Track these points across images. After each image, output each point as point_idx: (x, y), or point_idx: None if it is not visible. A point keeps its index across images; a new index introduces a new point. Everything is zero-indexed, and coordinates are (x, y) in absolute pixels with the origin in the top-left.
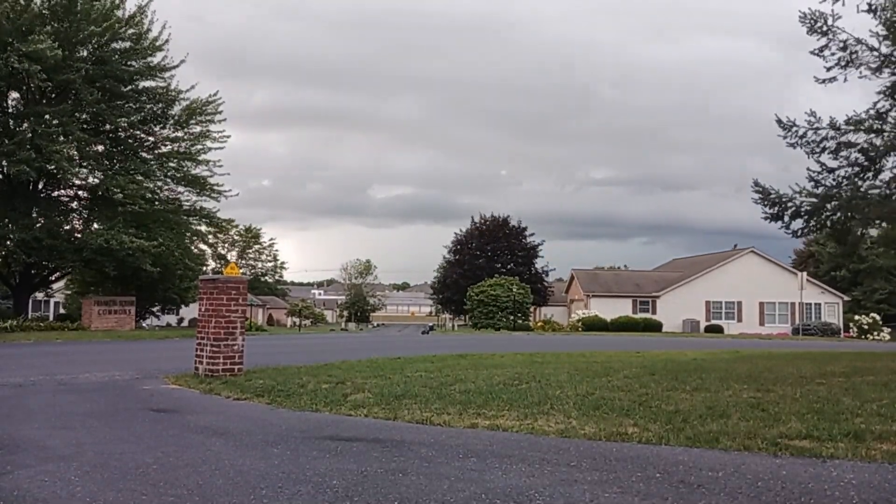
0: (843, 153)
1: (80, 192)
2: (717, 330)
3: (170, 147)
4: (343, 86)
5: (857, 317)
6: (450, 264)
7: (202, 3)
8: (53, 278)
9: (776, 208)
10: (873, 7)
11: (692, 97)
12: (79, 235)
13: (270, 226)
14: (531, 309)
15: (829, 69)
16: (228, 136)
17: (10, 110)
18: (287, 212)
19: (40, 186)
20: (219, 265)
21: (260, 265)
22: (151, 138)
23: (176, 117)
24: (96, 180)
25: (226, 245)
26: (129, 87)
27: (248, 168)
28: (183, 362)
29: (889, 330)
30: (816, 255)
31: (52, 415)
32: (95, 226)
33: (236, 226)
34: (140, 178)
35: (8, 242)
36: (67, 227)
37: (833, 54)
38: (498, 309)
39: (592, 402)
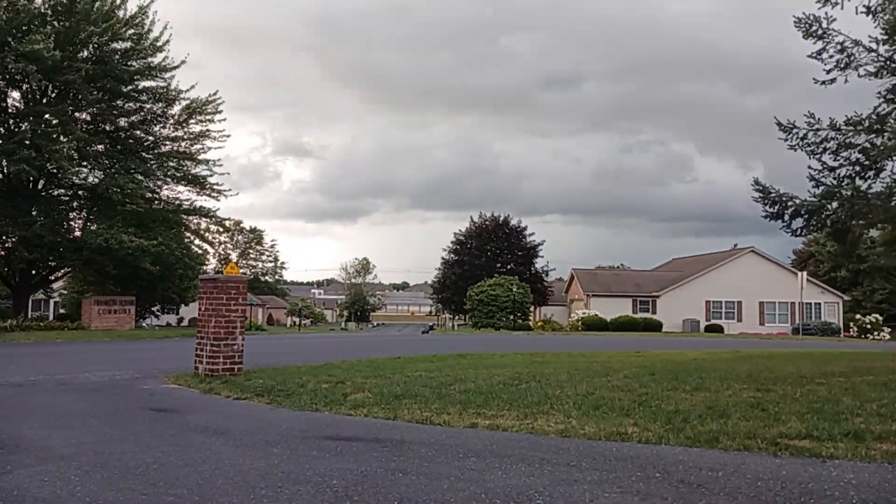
0: (844, 154)
1: (79, 192)
2: (717, 330)
3: (169, 146)
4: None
5: (857, 316)
6: (450, 264)
7: None
8: (53, 278)
9: (776, 207)
10: (872, 9)
11: None
12: (78, 234)
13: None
14: (531, 308)
15: (828, 71)
16: (228, 136)
17: (11, 110)
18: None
19: (40, 186)
20: (219, 265)
21: (260, 265)
22: (151, 138)
23: (176, 117)
24: (96, 179)
25: (228, 245)
26: (130, 87)
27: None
28: (183, 362)
29: (889, 329)
30: (816, 255)
31: (52, 414)
32: (95, 225)
33: (239, 222)
34: (140, 177)
35: (8, 240)
36: (67, 226)
37: (831, 57)
38: (498, 308)
39: (592, 401)
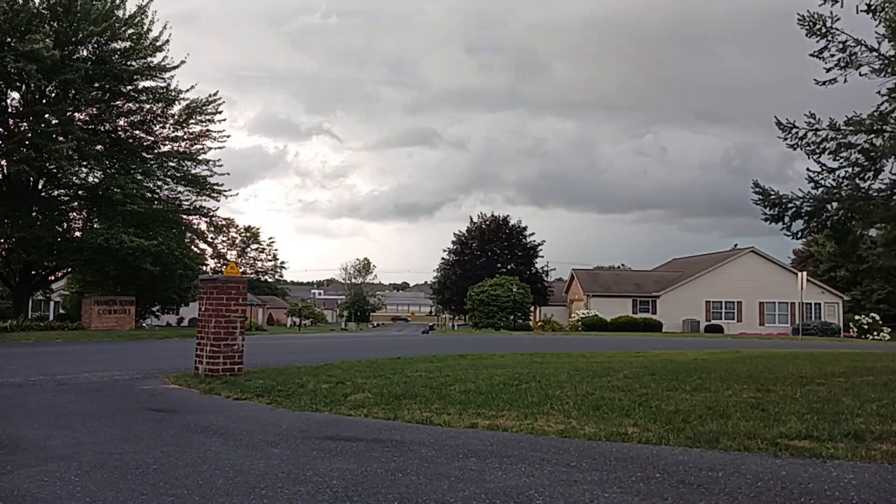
0: (843, 154)
1: (79, 192)
2: (717, 330)
3: (169, 146)
4: None
5: (857, 317)
6: (450, 264)
7: None
8: (53, 278)
9: (776, 209)
10: (873, 7)
11: None
12: (78, 235)
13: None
14: (531, 309)
15: (828, 70)
16: (228, 136)
17: (10, 110)
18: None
19: (40, 186)
20: (219, 265)
21: (260, 265)
22: (151, 138)
23: (176, 117)
24: (96, 180)
25: (226, 244)
26: (129, 87)
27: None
28: (183, 362)
29: (889, 330)
30: (816, 255)
31: (52, 414)
32: (95, 225)
33: (236, 225)
34: (140, 177)
35: (8, 240)
36: (67, 226)
37: (833, 56)
38: (498, 309)
39: (592, 402)
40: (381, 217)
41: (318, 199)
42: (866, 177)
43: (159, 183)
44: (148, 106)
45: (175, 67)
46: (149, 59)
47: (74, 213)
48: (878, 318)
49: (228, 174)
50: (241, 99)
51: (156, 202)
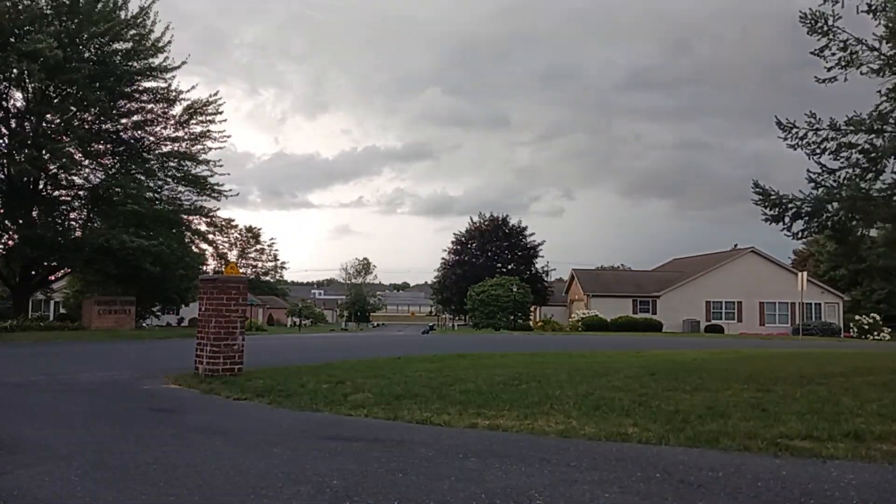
0: (844, 154)
1: (80, 192)
2: (718, 330)
3: (170, 147)
4: None
5: (857, 317)
6: (450, 264)
7: None
8: (53, 278)
9: (777, 209)
10: (873, 7)
11: None
12: (79, 235)
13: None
14: (531, 309)
15: (829, 69)
16: (228, 136)
17: (12, 110)
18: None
19: (41, 186)
20: (219, 265)
21: (260, 265)
22: (152, 138)
23: (177, 117)
24: (97, 180)
25: (226, 244)
26: (131, 88)
27: None
28: (183, 362)
29: (889, 330)
30: (816, 255)
31: (53, 414)
32: (96, 225)
33: (235, 225)
34: (141, 177)
35: (9, 240)
36: (67, 226)
37: (833, 54)
38: (498, 309)
39: (592, 402)
40: (466, 212)
41: (407, 191)
42: (867, 177)
43: (160, 183)
44: (149, 106)
45: (176, 68)
46: (150, 59)
47: (75, 213)
48: (878, 318)
49: (229, 174)
50: (403, 93)
51: (157, 202)
